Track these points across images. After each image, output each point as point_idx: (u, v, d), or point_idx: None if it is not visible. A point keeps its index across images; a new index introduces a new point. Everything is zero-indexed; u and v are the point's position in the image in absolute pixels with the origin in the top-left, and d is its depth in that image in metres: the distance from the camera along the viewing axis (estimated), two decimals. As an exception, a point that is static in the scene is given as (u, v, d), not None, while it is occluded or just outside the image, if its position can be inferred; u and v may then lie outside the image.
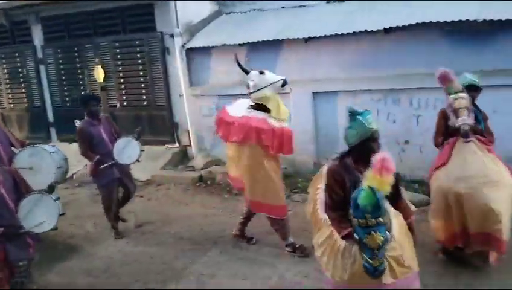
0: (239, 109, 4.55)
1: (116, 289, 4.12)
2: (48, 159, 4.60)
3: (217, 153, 7.59)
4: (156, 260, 4.65)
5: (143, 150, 5.17)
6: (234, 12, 8.14)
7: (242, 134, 4.29)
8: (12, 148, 4.72)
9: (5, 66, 9.53)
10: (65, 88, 8.92)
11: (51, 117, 9.18)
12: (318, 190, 3.19)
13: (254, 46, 6.85)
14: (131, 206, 5.70)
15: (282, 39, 6.56)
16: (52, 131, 9.18)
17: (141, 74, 8.07)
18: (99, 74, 8.27)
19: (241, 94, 7.20)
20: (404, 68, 6.04)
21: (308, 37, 6.35)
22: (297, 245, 4.48)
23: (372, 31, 5.85)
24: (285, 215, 4.49)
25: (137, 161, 5.14)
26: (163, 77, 7.84)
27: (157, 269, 4.45)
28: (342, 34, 6.03)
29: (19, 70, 9.32)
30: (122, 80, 8.26)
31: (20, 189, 3.41)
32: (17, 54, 9.29)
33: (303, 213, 3.94)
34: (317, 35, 6.22)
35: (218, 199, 6.38)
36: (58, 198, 3.59)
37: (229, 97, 7.33)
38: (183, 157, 8.00)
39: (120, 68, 8.22)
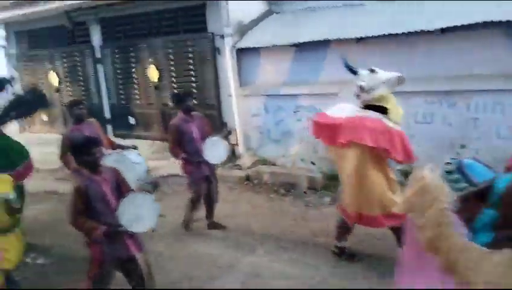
0: (344, 111, 4.20)
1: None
2: (130, 171, 4.35)
3: (264, 153, 7.63)
4: (202, 257, 4.74)
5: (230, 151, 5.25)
6: (285, 12, 8.12)
7: (353, 135, 3.93)
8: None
9: (65, 64, 10.06)
10: (120, 86, 9.30)
11: (107, 114, 9.60)
12: (442, 210, 2.28)
13: (302, 46, 6.80)
14: (178, 203, 5.84)
15: (331, 39, 6.47)
16: (108, 127, 9.59)
17: (192, 73, 8.25)
18: (152, 73, 8.57)
19: (289, 94, 7.27)
20: (461, 70, 5.76)
21: (360, 37, 6.21)
22: (346, 249, 4.40)
23: (428, 31, 5.63)
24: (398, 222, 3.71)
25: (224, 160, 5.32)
26: (213, 76, 7.97)
27: (203, 266, 4.54)
28: (396, 34, 5.86)
29: (78, 69, 9.82)
30: (174, 80, 8.49)
31: (121, 189, 3.44)
32: (76, 54, 9.79)
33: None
34: (370, 35, 6.07)
35: (265, 199, 6.40)
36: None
37: (277, 97, 7.39)
38: (230, 155, 8.08)
39: (172, 68, 8.45)
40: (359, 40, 6.30)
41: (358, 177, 4.00)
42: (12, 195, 3.58)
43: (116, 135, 9.38)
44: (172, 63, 8.43)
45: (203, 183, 5.23)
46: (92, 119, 5.17)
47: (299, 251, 4.68)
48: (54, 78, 10.17)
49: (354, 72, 4.24)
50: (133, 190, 3.49)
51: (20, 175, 4.46)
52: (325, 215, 5.57)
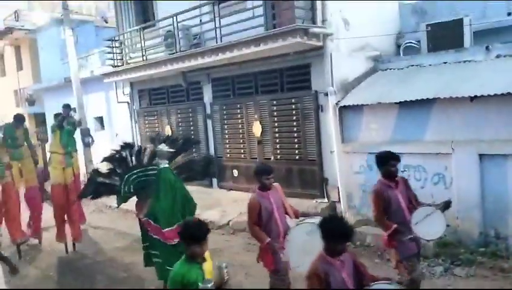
0: None
1: None
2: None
3: (366, 212, 7.35)
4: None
5: (448, 225, 4.43)
6: (390, 69, 8.04)
7: None
8: (287, 216, 4.45)
9: (179, 119, 10.98)
10: (227, 141, 9.82)
11: (213, 166, 10.13)
12: None
13: (407, 104, 6.60)
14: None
15: (441, 97, 6.20)
16: (214, 180, 10.10)
17: (295, 129, 8.44)
18: (256, 128, 8.95)
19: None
20: None
21: (475, 96, 5.86)
22: None
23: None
24: None
25: (440, 237, 4.45)
26: (315, 133, 8.07)
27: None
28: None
29: (191, 123, 10.64)
30: (277, 135, 8.75)
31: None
32: (190, 110, 10.65)
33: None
34: (485, 94, 5.70)
35: (368, 264, 6.05)
36: None
37: (379, 156, 7.17)
38: (332, 212, 7.95)
39: (276, 124, 8.74)
40: (473, 98, 5.94)
41: None
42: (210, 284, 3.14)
43: (220, 187, 9.87)
44: (275, 119, 8.74)
45: (415, 262, 4.34)
46: (276, 184, 4.58)
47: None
48: (168, 131, 11.12)
49: None
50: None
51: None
52: (436, 286, 5.10)
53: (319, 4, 7.58)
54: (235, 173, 9.66)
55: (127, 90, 12.46)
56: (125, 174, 5.43)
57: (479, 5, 8.21)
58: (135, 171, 5.47)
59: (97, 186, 5.60)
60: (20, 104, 22.78)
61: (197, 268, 3.16)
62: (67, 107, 8.46)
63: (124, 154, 5.55)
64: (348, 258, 3.11)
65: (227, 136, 9.84)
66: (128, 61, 11.35)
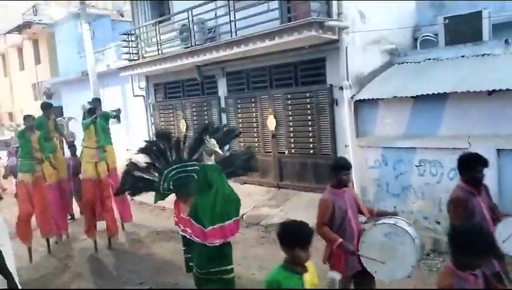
0: None
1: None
2: (409, 247, 3.64)
3: (381, 207, 7.30)
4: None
5: None
6: (407, 62, 7.95)
7: None
8: (360, 215, 4.11)
9: (194, 113, 11.04)
10: (241, 134, 9.82)
11: (255, 160, 10.13)
12: None
13: (423, 98, 6.53)
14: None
15: (451, 92, 6.11)
16: (228, 172, 10.14)
17: (309, 123, 8.42)
18: (271, 122, 8.95)
19: (406, 147, 6.97)
20: None
21: (493, 90, 5.77)
22: None
23: None
24: None
25: None
26: (330, 127, 8.04)
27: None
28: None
29: (205, 117, 10.68)
30: (291, 129, 8.75)
31: None
32: (205, 104, 10.69)
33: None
34: (504, 88, 5.61)
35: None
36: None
37: (394, 150, 7.13)
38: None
39: (290, 118, 8.73)
40: (491, 92, 5.85)
41: None
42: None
43: (235, 181, 9.88)
44: (290, 113, 8.73)
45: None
46: (350, 185, 4.28)
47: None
48: (183, 125, 11.21)
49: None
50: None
51: (230, 229, 4.60)
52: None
53: (334, -3, 7.52)
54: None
55: (143, 84, 12.58)
56: (164, 169, 5.06)
57: (499, -3, 8.06)
58: (175, 166, 5.08)
59: (135, 182, 5.25)
60: (38, 98, 23.17)
61: (297, 278, 2.74)
62: (97, 100, 8.34)
63: (161, 146, 5.16)
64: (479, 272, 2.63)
65: (241, 130, 9.84)
66: (144, 55, 11.45)
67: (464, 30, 7.73)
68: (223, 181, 4.70)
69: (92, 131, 7.18)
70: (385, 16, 8.15)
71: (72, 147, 9.21)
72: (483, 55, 6.99)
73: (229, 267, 4.64)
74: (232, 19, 8.52)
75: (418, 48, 8.64)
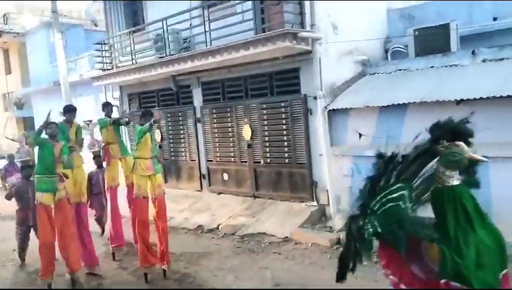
0: None
1: None
2: None
3: (356, 215, 7.39)
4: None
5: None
6: (378, 73, 8.12)
7: None
8: None
9: (170, 123, 10.95)
10: (217, 144, 9.82)
11: (204, 169, 10.13)
12: None
13: (393, 108, 6.66)
14: (265, 263, 5.80)
15: (421, 102, 6.27)
16: (204, 182, 10.09)
17: (284, 133, 8.46)
18: (246, 132, 8.97)
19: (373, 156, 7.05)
20: None
21: (461, 99, 5.95)
22: None
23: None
24: None
25: None
26: (305, 136, 8.10)
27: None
28: (501, 97, 5.51)
29: (181, 127, 10.61)
30: (267, 138, 8.77)
31: None
32: (180, 114, 10.62)
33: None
34: (471, 98, 5.79)
35: (358, 266, 6.10)
36: None
37: (365, 158, 7.21)
38: (321, 216, 7.98)
39: (266, 127, 8.76)
40: (459, 102, 6.03)
41: None
42: None
43: (210, 190, 9.87)
44: (265, 122, 8.76)
45: None
46: None
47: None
48: (158, 135, 11.08)
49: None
50: None
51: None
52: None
53: (307, 8, 7.63)
54: (225, 176, 9.65)
55: (117, 94, 12.41)
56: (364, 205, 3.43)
57: (466, 10, 8.34)
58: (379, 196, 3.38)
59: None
60: (8, 108, 22.60)
61: None
62: (108, 105, 7.49)
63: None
64: None
65: (217, 140, 9.83)
66: (118, 65, 11.31)
67: (433, 41, 7.95)
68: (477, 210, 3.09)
69: (148, 139, 6.16)
70: (357, 27, 8.33)
71: (97, 157, 8.09)
72: (451, 65, 7.21)
73: None
74: (207, 29, 8.54)
75: (389, 58, 8.84)
